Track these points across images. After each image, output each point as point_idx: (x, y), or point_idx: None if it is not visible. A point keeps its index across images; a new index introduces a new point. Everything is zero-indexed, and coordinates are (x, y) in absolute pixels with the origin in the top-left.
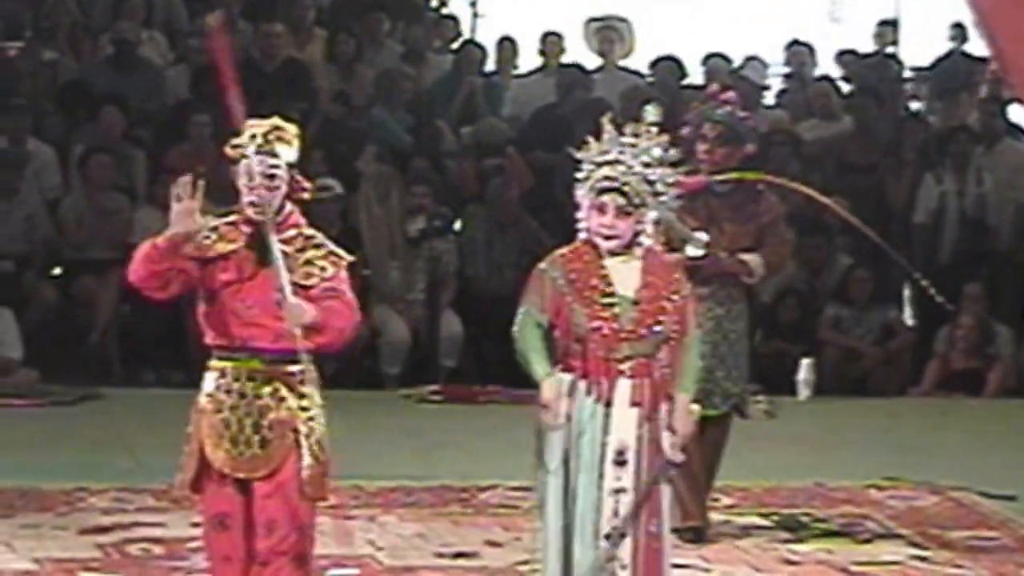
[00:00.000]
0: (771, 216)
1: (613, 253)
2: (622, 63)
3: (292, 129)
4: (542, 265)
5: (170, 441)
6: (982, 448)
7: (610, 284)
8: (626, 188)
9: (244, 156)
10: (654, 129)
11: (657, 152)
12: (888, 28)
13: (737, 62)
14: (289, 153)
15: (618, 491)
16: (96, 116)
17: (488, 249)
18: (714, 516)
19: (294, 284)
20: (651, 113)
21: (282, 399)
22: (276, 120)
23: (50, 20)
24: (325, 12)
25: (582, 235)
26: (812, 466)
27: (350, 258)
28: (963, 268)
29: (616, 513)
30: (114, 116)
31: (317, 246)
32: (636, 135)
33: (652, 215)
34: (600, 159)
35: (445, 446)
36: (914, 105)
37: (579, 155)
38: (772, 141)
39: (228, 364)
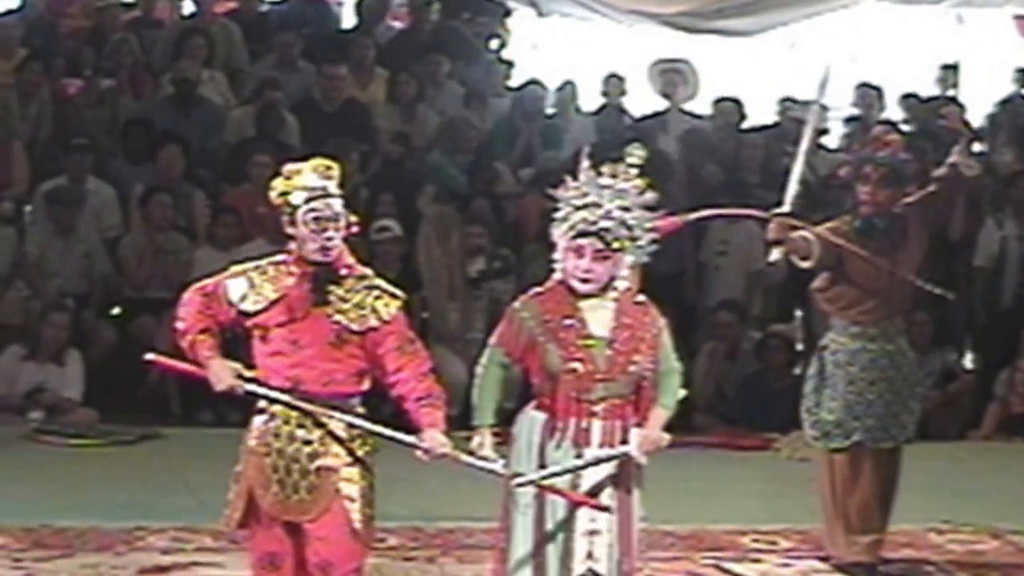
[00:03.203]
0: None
1: (587, 295)
2: (686, 106)
3: (332, 164)
4: (515, 305)
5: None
6: None
7: (585, 325)
8: (604, 232)
9: (296, 206)
10: (633, 171)
11: (635, 195)
12: (950, 72)
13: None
14: (336, 188)
15: (592, 532)
16: (156, 155)
17: None
18: (772, 559)
19: (348, 330)
20: (634, 155)
21: (330, 445)
22: (317, 161)
23: (111, 59)
24: (385, 53)
25: (557, 276)
26: None
27: (403, 296)
28: None
29: (590, 555)
30: (174, 155)
31: (368, 288)
32: (614, 176)
33: (628, 259)
34: (579, 201)
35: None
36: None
37: (557, 195)
38: (831, 185)
39: (278, 406)
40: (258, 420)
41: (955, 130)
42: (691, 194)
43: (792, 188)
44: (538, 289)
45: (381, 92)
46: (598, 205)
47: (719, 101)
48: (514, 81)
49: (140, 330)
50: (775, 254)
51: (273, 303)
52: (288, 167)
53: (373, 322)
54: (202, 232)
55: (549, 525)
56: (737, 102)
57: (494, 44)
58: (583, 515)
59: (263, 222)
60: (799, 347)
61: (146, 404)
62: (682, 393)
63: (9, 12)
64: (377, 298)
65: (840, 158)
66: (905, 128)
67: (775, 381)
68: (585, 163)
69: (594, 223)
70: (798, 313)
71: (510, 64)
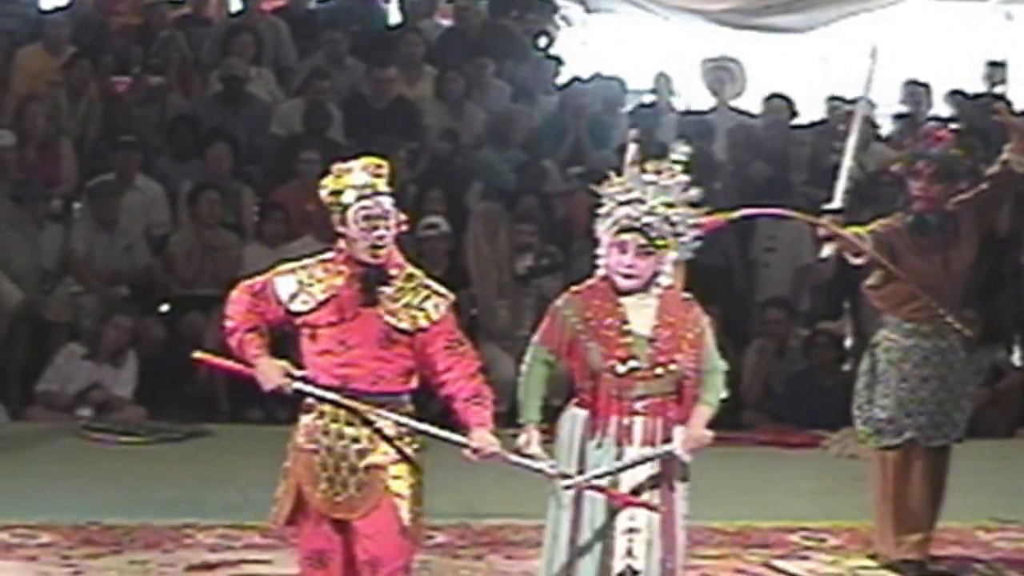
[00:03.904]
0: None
1: (630, 292)
2: (733, 102)
3: (382, 162)
4: (558, 303)
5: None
6: None
7: (626, 322)
8: (647, 228)
9: (347, 205)
10: (676, 167)
11: (678, 192)
12: (997, 69)
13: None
14: (386, 186)
15: (631, 530)
16: (204, 152)
17: None
18: (822, 557)
19: (398, 330)
20: (679, 151)
21: (379, 443)
22: (367, 159)
23: (159, 56)
24: (434, 50)
25: (600, 272)
26: None
27: (452, 296)
28: None
29: (629, 552)
30: (222, 152)
31: (417, 287)
32: (658, 172)
33: (672, 255)
34: (622, 197)
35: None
36: None
37: (600, 191)
38: (880, 181)
39: (326, 404)
40: (306, 418)
41: (1009, 125)
42: (738, 191)
43: (841, 184)
44: (581, 286)
45: (429, 89)
46: (642, 201)
47: (770, 98)
48: (563, 78)
49: (189, 327)
50: (827, 250)
51: (323, 303)
52: (338, 166)
53: (423, 322)
54: (250, 229)
55: (587, 524)
56: (787, 99)
57: (542, 41)
58: (622, 513)
59: (311, 219)
60: (847, 344)
61: (195, 401)
62: (724, 393)
63: (58, 9)
64: (426, 298)
65: (889, 155)
66: (954, 125)
67: (824, 378)
68: (629, 158)
69: (637, 219)
70: (846, 308)
71: (559, 61)
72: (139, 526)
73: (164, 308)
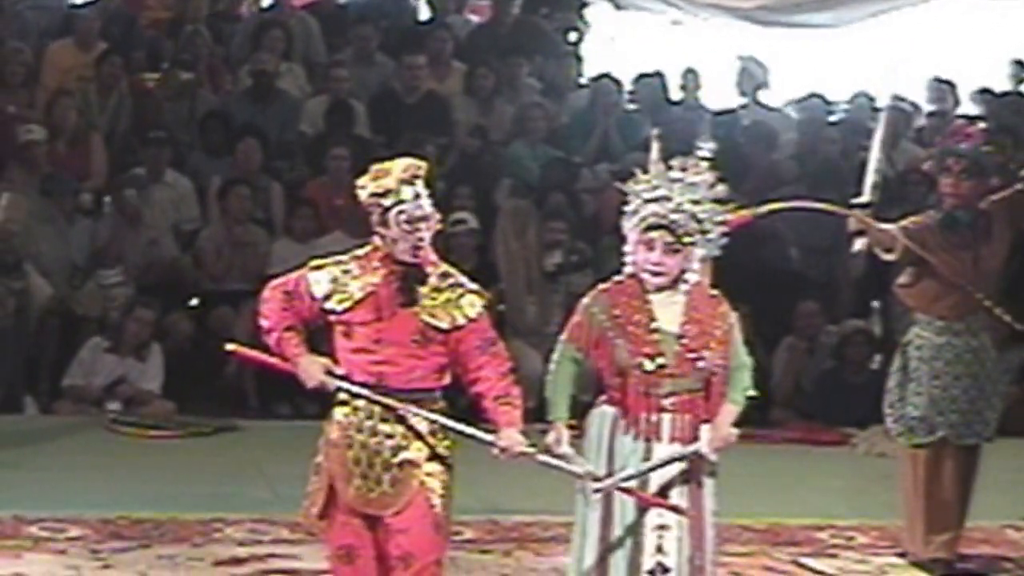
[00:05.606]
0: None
1: (658, 289)
2: (762, 100)
3: (421, 163)
4: (585, 300)
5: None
6: None
7: (654, 319)
8: (674, 226)
9: (388, 206)
10: (703, 164)
11: (705, 189)
12: (1022, 67)
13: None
14: (424, 187)
15: (661, 527)
16: (234, 148)
17: None
18: (851, 555)
19: (435, 328)
20: (705, 147)
21: (412, 440)
22: (407, 161)
23: (189, 52)
24: (464, 47)
25: (628, 269)
26: None
27: (487, 295)
28: None
29: (659, 549)
30: (252, 148)
31: (453, 286)
32: (684, 170)
33: (699, 252)
34: (649, 195)
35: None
36: None
37: (627, 188)
38: (908, 180)
39: (361, 400)
40: (339, 413)
41: None
42: (766, 187)
43: (870, 179)
44: (608, 283)
45: (458, 85)
46: (668, 198)
47: (807, 97)
48: (587, 76)
49: (218, 322)
50: (858, 245)
51: (359, 301)
52: (377, 166)
53: (460, 320)
54: (280, 225)
55: (617, 520)
56: (822, 97)
57: (572, 37)
58: (652, 510)
59: (340, 215)
60: (877, 342)
61: (223, 396)
62: (752, 390)
63: (88, 4)
64: (462, 296)
65: (918, 153)
66: (982, 123)
67: (853, 376)
68: (653, 155)
69: (664, 216)
70: (876, 305)
71: (580, 59)
72: (168, 520)
73: (193, 303)
